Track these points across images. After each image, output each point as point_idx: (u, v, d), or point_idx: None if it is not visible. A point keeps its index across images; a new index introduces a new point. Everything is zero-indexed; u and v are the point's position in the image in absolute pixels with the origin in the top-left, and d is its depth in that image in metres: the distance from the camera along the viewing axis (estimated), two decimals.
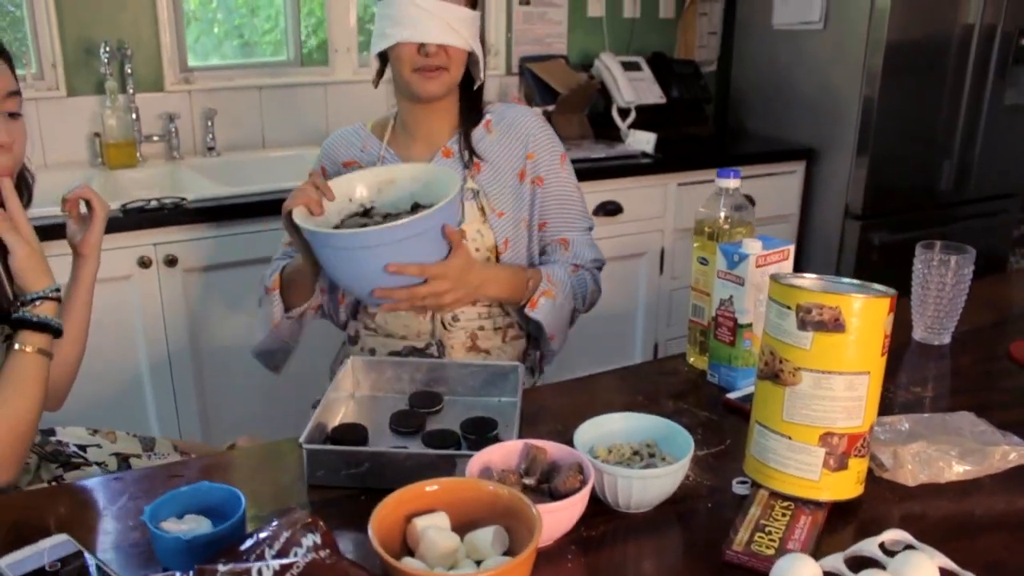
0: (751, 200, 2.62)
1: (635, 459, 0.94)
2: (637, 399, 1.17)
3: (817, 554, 0.80)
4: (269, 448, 1.08)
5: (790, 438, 0.90)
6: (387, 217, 1.26)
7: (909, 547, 0.83)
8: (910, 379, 1.24)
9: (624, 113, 2.65)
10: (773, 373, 0.91)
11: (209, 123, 2.38)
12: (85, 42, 2.24)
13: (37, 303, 1.06)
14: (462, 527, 0.77)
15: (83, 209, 1.24)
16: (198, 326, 1.99)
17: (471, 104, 1.44)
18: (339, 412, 1.10)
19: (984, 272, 1.47)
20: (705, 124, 2.88)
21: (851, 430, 0.89)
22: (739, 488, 0.95)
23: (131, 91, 2.27)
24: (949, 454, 0.97)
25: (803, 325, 0.87)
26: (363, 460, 0.92)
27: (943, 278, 1.31)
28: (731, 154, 2.71)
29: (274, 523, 0.76)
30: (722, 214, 1.19)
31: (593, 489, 0.85)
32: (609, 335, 2.53)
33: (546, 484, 0.86)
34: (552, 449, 0.90)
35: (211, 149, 2.41)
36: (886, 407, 1.10)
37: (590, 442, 0.94)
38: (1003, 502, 0.93)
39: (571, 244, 1.46)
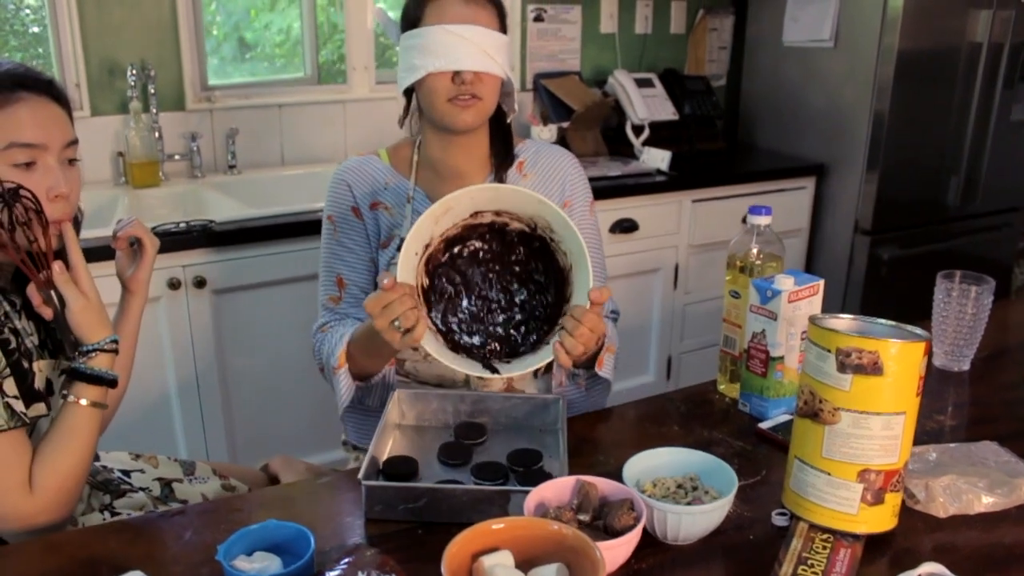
0: None
1: (679, 492, 0.98)
2: (673, 429, 1.21)
3: None
4: (325, 482, 1.11)
5: (829, 474, 0.94)
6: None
7: None
8: (932, 407, 1.28)
9: (638, 130, 2.69)
10: (813, 412, 0.95)
11: (231, 142, 2.42)
12: (108, 62, 2.27)
13: (93, 355, 1.07)
14: (525, 564, 0.81)
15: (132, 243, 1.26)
16: (225, 347, 2.02)
17: (503, 141, 1.38)
18: (387, 443, 1.13)
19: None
20: (717, 140, 2.93)
21: (887, 467, 0.93)
22: (778, 520, 0.99)
23: (154, 111, 2.30)
24: (977, 486, 1.01)
25: (843, 368, 0.91)
26: (421, 495, 0.96)
27: (963, 307, 1.35)
28: (743, 171, 2.75)
29: (344, 562, 0.80)
30: (754, 249, 1.23)
31: None
32: (624, 350, 2.54)
33: (600, 521, 0.90)
34: (602, 485, 0.94)
35: (232, 167, 2.44)
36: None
37: (636, 476, 0.99)
38: None
39: None
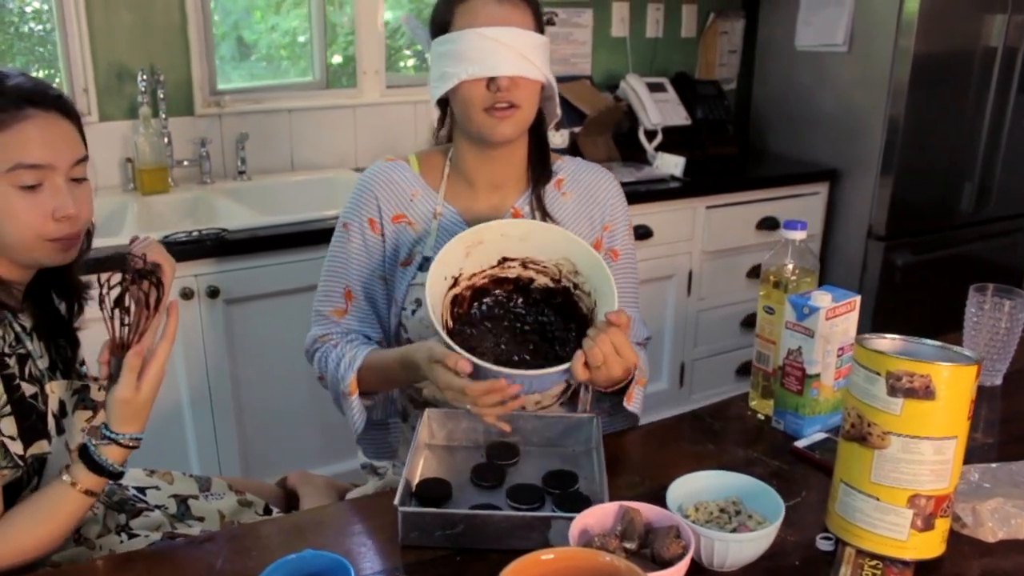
0: (776, 222, 2.66)
1: (722, 516, 0.96)
2: (707, 447, 1.19)
3: None
4: (357, 505, 1.09)
5: (878, 499, 0.92)
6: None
7: None
8: None
9: (650, 135, 2.67)
10: (860, 435, 0.93)
11: (240, 147, 2.39)
12: (116, 67, 2.24)
13: (107, 443, 1.01)
14: None
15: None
16: (238, 357, 2.00)
17: (540, 154, 1.30)
18: (419, 465, 1.11)
19: None
20: (729, 145, 2.91)
21: (938, 492, 0.91)
22: (823, 544, 0.97)
23: (163, 116, 2.27)
24: None
25: (893, 392, 0.89)
26: (459, 521, 0.94)
27: (996, 322, 1.33)
28: (756, 176, 2.73)
29: None
30: (789, 265, 1.21)
31: None
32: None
33: (647, 549, 0.87)
34: (646, 511, 0.92)
35: (242, 173, 2.41)
36: None
37: (678, 500, 0.96)
38: None
39: (633, 322, 1.34)
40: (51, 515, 0.99)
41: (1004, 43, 2.64)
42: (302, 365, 2.05)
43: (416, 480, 1.07)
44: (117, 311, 1.01)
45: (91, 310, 1.17)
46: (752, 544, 0.89)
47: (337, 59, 2.70)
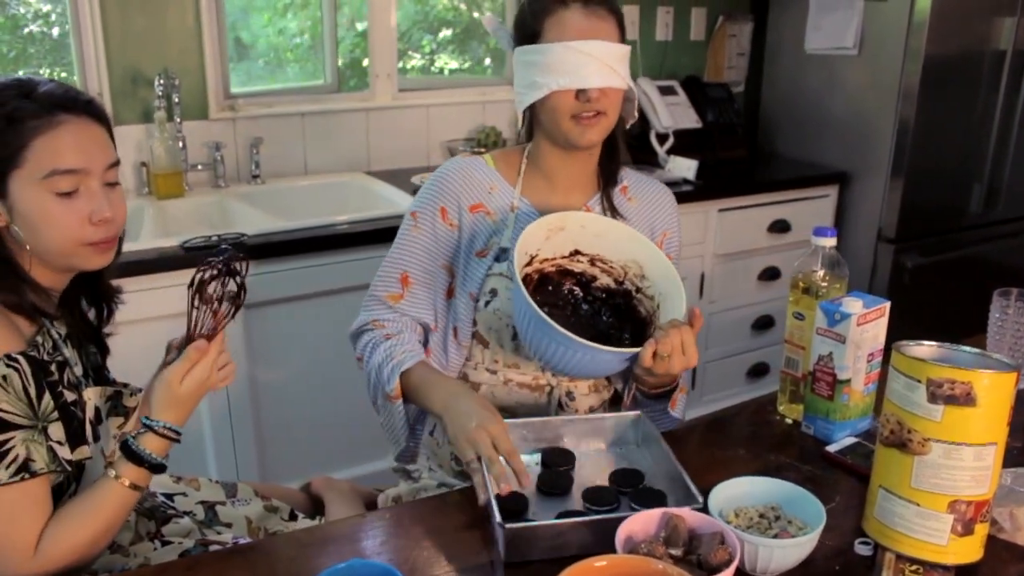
0: (787, 224, 2.67)
1: (762, 522, 0.97)
2: (739, 452, 1.20)
3: None
4: (398, 511, 1.10)
5: (918, 504, 0.93)
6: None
7: None
8: None
9: (662, 138, 2.68)
10: (900, 442, 0.94)
11: (255, 151, 2.39)
12: (131, 71, 2.24)
13: (144, 432, 1.03)
14: None
15: None
16: (257, 363, 2.00)
17: (611, 155, 1.35)
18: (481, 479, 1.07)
19: None
20: (739, 148, 2.92)
21: (978, 497, 0.92)
22: (861, 549, 0.98)
23: (178, 120, 2.27)
24: None
25: (934, 398, 0.90)
26: (562, 531, 0.94)
27: (1020, 325, 1.34)
28: (767, 179, 2.74)
29: None
30: (820, 271, 1.22)
31: None
32: None
33: (692, 555, 0.88)
34: (689, 517, 0.92)
35: (256, 177, 2.41)
36: None
37: (719, 506, 0.97)
38: None
39: None
40: (100, 510, 1.00)
41: (1013, 46, 2.65)
42: (321, 370, 2.07)
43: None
44: (198, 298, 1.03)
45: (120, 315, 1.19)
46: (796, 549, 0.90)
47: (341, 61, 2.70)
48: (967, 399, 0.89)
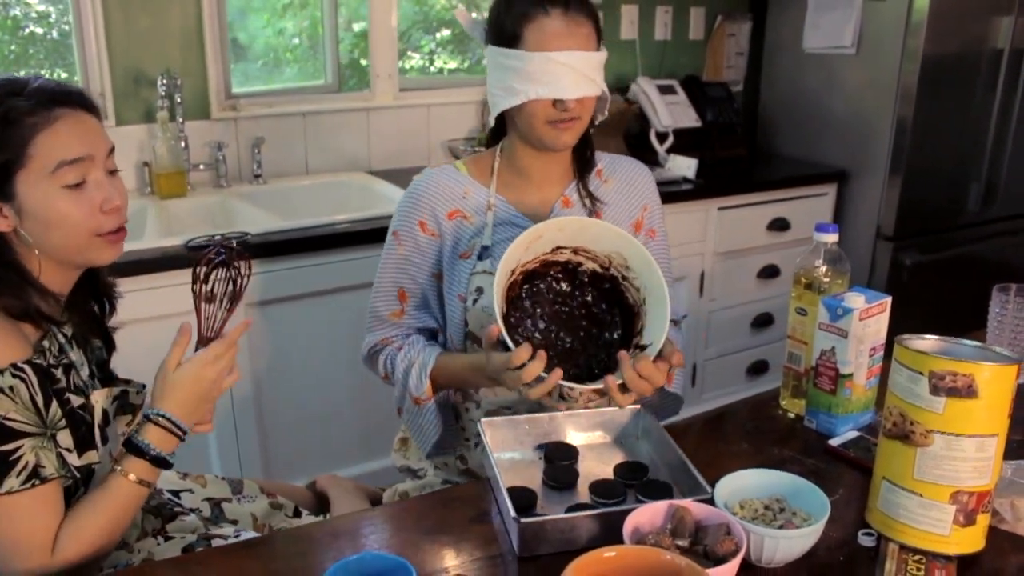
0: (786, 223, 2.69)
1: (767, 514, 0.98)
2: (742, 447, 1.21)
3: None
4: (409, 506, 1.11)
5: (921, 495, 0.94)
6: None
7: None
8: None
9: (662, 137, 2.69)
10: (903, 434, 0.95)
11: (256, 151, 2.40)
12: (133, 71, 2.25)
13: (146, 424, 1.05)
14: None
15: None
16: (260, 361, 2.01)
17: (583, 144, 1.36)
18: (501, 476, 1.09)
19: None
20: (738, 147, 2.93)
21: (980, 488, 0.93)
22: (865, 540, 0.99)
23: (180, 120, 2.28)
24: None
25: (936, 391, 0.92)
26: (576, 524, 0.95)
27: (1020, 321, 1.36)
28: (766, 178, 2.76)
29: None
30: (822, 267, 1.24)
31: None
32: None
33: (699, 546, 0.89)
34: (695, 508, 0.93)
35: (257, 176, 2.42)
36: None
37: (724, 498, 0.98)
38: None
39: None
40: (108, 507, 1.01)
41: (1011, 45, 2.67)
42: (324, 368, 2.08)
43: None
44: (196, 290, 1.07)
45: (124, 314, 1.20)
46: (801, 540, 0.92)
47: (340, 61, 2.71)
48: (969, 391, 0.90)
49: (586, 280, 1.26)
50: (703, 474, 1.02)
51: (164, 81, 2.21)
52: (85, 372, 1.09)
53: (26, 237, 0.99)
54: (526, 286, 1.24)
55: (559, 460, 1.13)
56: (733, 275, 2.69)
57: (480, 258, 1.31)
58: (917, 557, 0.94)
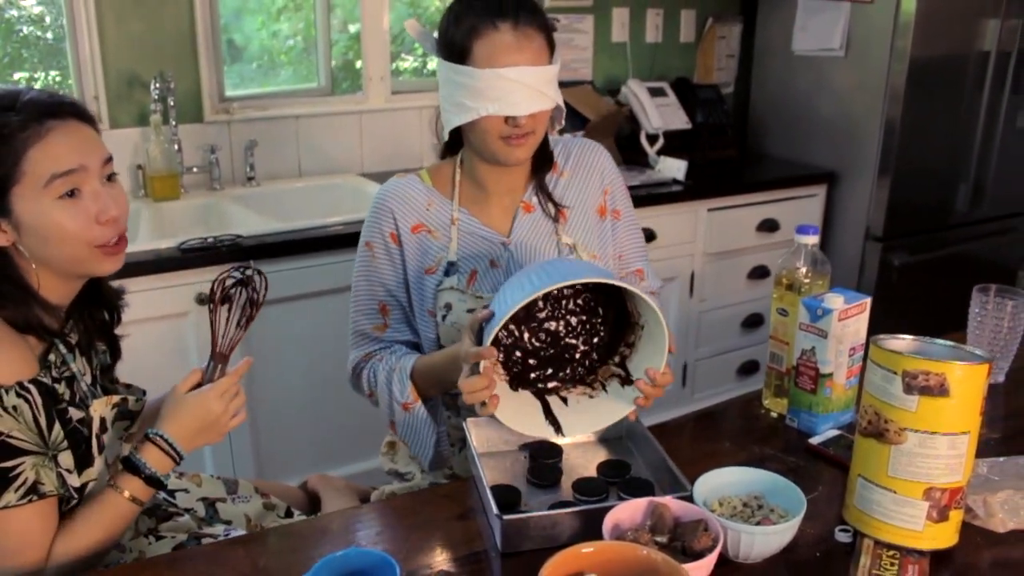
0: (775, 223, 2.71)
1: (746, 511, 1.00)
2: (724, 445, 1.23)
3: None
4: (394, 504, 1.12)
5: (895, 492, 0.97)
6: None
7: None
8: None
9: (652, 139, 2.71)
10: (878, 432, 0.97)
11: (249, 153, 2.42)
12: (127, 74, 2.27)
13: (145, 443, 1.08)
14: None
15: None
16: (253, 361, 2.02)
17: (542, 151, 1.34)
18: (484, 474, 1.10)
19: None
20: (728, 148, 2.96)
21: (952, 485, 0.95)
22: (841, 536, 1.02)
23: (173, 123, 2.30)
24: None
25: (909, 389, 0.94)
26: (558, 521, 0.97)
27: (999, 321, 1.38)
28: (756, 179, 2.78)
29: None
30: (803, 268, 1.26)
31: None
32: None
33: (677, 542, 0.91)
34: (674, 505, 0.96)
35: (251, 179, 2.44)
36: None
37: (703, 495, 1.00)
38: None
39: (645, 275, 1.45)
40: (100, 520, 1.04)
41: (997, 47, 2.70)
42: (315, 369, 2.10)
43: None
44: (213, 308, 1.11)
45: (126, 318, 1.21)
46: (777, 536, 0.94)
47: (333, 63, 2.73)
48: (941, 390, 0.93)
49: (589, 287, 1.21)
50: (686, 472, 1.04)
51: (157, 84, 2.23)
52: (87, 380, 1.10)
53: (24, 251, 1.00)
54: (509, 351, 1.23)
55: (543, 459, 1.15)
56: (723, 276, 2.71)
57: (447, 274, 1.31)
58: (891, 552, 0.96)
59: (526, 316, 1.20)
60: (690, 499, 0.97)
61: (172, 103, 2.28)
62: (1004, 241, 3.03)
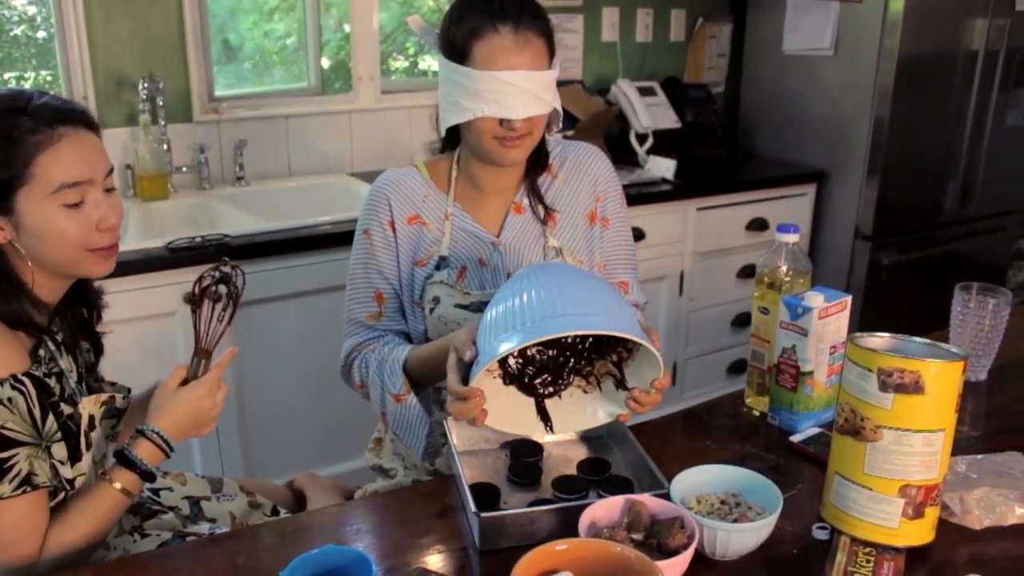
0: (765, 223, 2.72)
1: (723, 508, 1.00)
2: (707, 444, 1.23)
3: None
4: (373, 501, 1.13)
5: (871, 489, 0.97)
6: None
7: None
8: None
9: (641, 138, 2.72)
10: (854, 429, 0.98)
11: (239, 153, 2.42)
12: (116, 74, 2.27)
13: (139, 438, 1.11)
14: None
15: None
16: (241, 361, 2.03)
17: (537, 152, 1.34)
18: (464, 472, 1.10)
19: None
20: (718, 148, 2.96)
21: (928, 482, 0.96)
22: (819, 533, 1.02)
23: (162, 123, 2.30)
24: (1009, 498, 1.04)
25: (884, 387, 0.94)
26: (536, 518, 0.98)
27: (981, 320, 1.39)
28: (745, 178, 2.79)
29: None
30: (784, 267, 1.26)
31: None
32: None
33: (653, 539, 0.92)
34: (651, 503, 0.96)
35: (240, 179, 2.44)
36: None
37: (681, 493, 1.01)
38: None
39: (630, 288, 1.44)
40: (93, 513, 1.06)
41: (985, 46, 2.71)
42: (304, 368, 2.10)
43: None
44: (194, 306, 1.14)
45: (106, 315, 1.22)
46: (753, 533, 0.94)
47: (325, 63, 2.73)
48: (916, 387, 0.93)
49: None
50: (667, 470, 1.05)
51: (146, 84, 2.23)
52: (74, 378, 1.12)
53: (20, 249, 1.02)
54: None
55: (524, 457, 1.15)
56: (712, 275, 2.72)
57: (438, 268, 1.31)
58: (867, 549, 0.97)
59: None
60: (668, 497, 0.98)
61: (161, 103, 2.28)
62: (993, 240, 3.05)
